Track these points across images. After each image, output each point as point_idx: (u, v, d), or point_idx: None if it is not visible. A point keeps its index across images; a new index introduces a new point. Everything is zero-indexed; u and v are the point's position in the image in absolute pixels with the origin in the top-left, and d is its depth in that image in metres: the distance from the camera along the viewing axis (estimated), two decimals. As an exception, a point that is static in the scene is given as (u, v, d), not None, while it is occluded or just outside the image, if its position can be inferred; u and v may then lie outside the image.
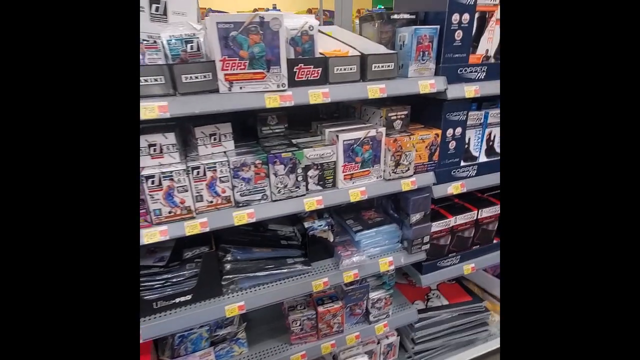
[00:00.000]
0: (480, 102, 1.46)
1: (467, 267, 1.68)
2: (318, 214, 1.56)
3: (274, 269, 1.35)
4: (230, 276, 1.29)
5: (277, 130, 1.34)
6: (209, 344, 1.44)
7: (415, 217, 1.42)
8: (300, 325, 1.47)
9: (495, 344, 1.99)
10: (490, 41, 1.32)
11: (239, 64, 0.95)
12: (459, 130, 1.37)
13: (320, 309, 1.48)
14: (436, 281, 1.62)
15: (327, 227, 1.42)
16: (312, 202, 1.20)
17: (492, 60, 1.36)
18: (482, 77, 1.32)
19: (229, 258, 1.32)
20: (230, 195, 1.12)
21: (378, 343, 1.84)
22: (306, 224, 1.43)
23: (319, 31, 1.15)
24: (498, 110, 1.48)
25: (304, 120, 1.46)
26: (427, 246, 1.50)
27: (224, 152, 1.16)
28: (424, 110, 1.41)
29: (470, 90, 1.27)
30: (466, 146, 1.46)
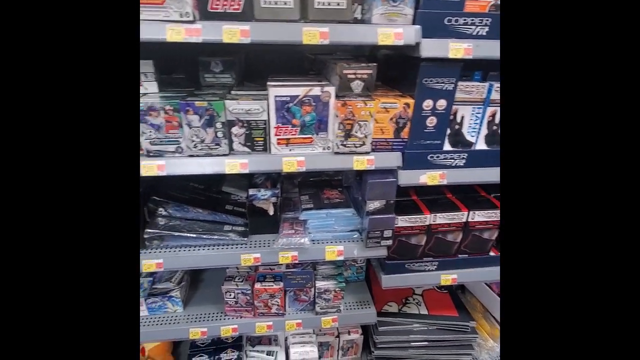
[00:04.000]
0: (486, 70, 1.11)
1: (447, 278, 1.38)
2: (273, 182, 1.39)
3: (205, 233, 1.24)
4: (157, 231, 1.22)
5: (223, 80, 1.18)
6: (146, 295, 1.41)
7: (372, 205, 1.17)
8: (234, 297, 1.36)
9: (478, 372, 1.67)
10: (504, -17, 0.95)
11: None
12: (442, 103, 1.05)
13: (257, 285, 1.34)
14: (401, 285, 1.36)
15: (270, 197, 1.25)
16: (234, 164, 1.04)
17: (506, 12, 0.99)
18: (483, 33, 0.97)
19: (161, 212, 1.24)
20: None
21: (337, 337, 1.67)
22: (251, 191, 1.28)
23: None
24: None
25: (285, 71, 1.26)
26: (389, 242, 1.25)
27: (143, 94, 1.04)
28: (404, 73, 1.12)
29: (457, 49, 0.95)
30: (457, 127, 1.14)
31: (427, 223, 1.28)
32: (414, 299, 1.69)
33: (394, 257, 1.33)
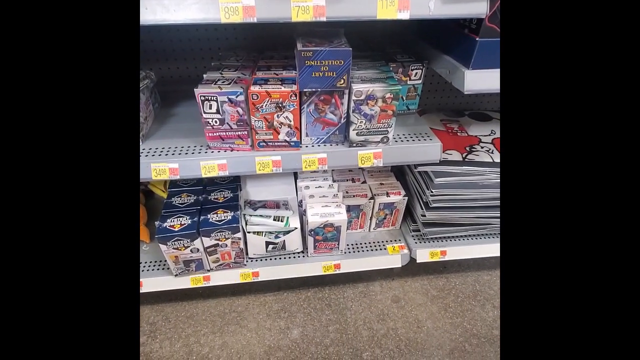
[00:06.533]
0: None
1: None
2: None
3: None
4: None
5: None
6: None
7: None
8: (217, 112, 0.82)
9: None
10: None
11: None
12: None
13: (255, 88, 0.79)
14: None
15: None
16: None
17: None
18: None
19: None
20: None
21: (371, 199, 1.19)
22: None
23: None
24: None
25: None
26: (498, -21, 0.66)
27: None
28: None
29: None
30: None
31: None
32: (482, 147, 1.18)
33: (491, 29, 0.76)
